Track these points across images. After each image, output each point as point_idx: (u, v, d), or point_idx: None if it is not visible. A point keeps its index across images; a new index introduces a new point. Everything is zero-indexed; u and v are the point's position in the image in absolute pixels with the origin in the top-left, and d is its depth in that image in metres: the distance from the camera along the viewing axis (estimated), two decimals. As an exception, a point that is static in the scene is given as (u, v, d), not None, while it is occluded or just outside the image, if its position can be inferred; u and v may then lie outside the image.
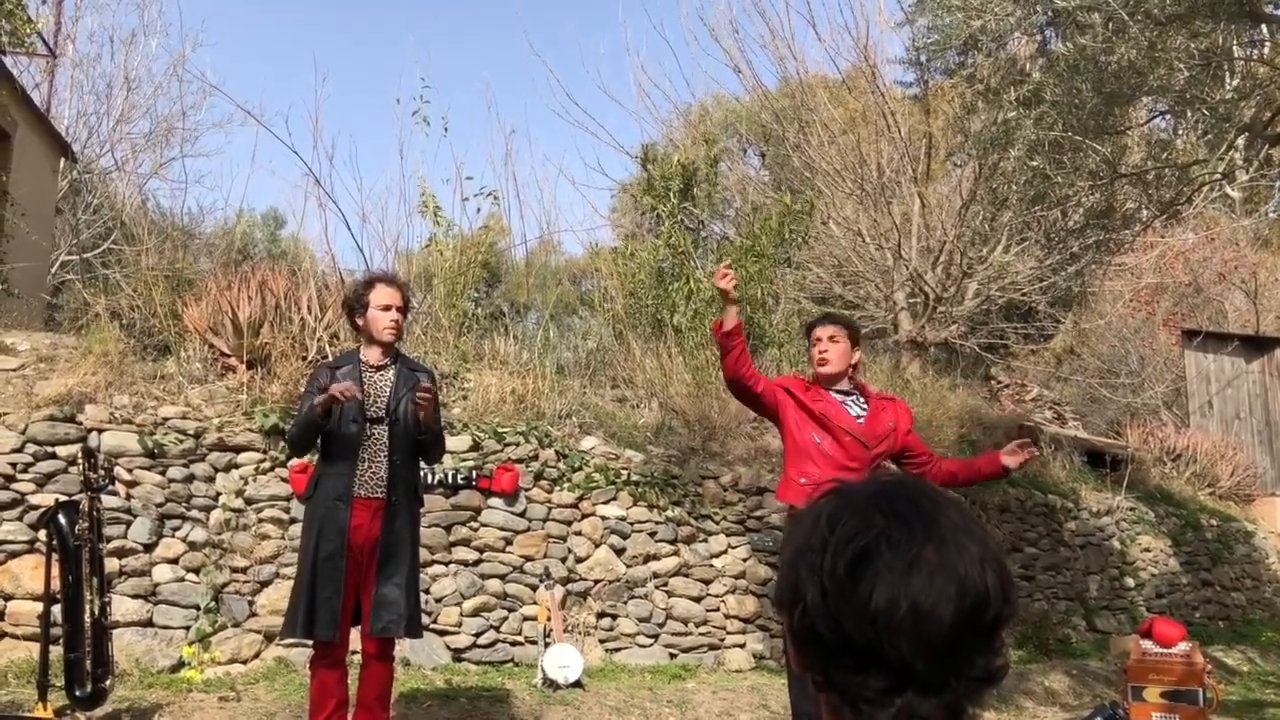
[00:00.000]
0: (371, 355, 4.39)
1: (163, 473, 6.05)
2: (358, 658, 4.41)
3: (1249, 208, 20.36)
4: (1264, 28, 6.51)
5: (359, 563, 4.25)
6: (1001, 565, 1.06)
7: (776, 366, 9.70)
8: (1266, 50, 7.15)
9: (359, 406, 4.24)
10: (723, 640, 7.15)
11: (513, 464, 6.88)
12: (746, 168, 18.41)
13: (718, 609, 7.19)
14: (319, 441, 4.32)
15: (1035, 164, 6.83)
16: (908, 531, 1.04)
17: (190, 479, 6.12)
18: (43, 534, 4.81)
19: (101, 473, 4.83)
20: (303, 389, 4.78)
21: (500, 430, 7.02)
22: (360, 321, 4.39)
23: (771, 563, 7.42)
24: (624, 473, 7.20)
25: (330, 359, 5.16)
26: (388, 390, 4.33)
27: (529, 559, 6.76)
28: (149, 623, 5.77)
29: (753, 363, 4.41)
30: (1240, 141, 7.12)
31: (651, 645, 6.92)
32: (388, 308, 4.32)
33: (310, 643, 4.36)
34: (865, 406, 4.41)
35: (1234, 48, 6.87)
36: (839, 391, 4.42)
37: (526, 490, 6.90)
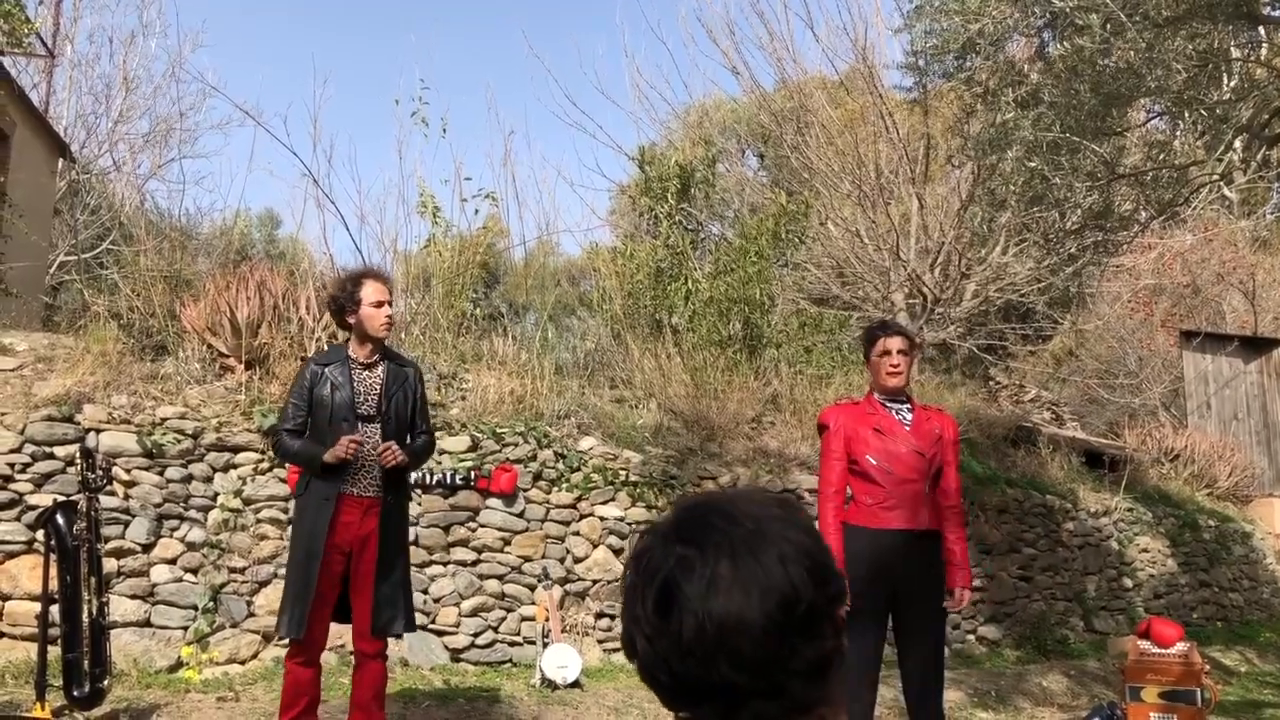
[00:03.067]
0: (361, 352, 4.35)
1: (161, 473, 6.05)
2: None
3: (1247, 209, 20.38)
4: (1261, 29, 6.52)
5: (346, 561, 4.23)
6: (809, 555, 1.05)
7: (775, 367, 9.70)
8: (1264, 52, 7.16)
9: (350, 405, 4.23)
10: (721, 641, 7.14)
11: (511, 464, 6.88)
12: (745, 169, 18.43)
13: (716, 609, 7.18)
14: (309, 438, 4.30)
15: (1033, 165, 6.83)
16: (700, 554, 1.02)
17: (188, 479, 6.12)
18: (41, 534, 4.80)
19: (99, 473, 4.82)
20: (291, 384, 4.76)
21: (499, 431, 7.02)
22: (351, 319, 4.32)
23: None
24: (622, 473, 7.21)
25: (319, 354, 5.11)
26: (378, 388, 4.31)
27: (527, 559, 6.77)
28: (147, 623, 5.77)
29: (842, 499, 4.27)
30: (1238, 143, 7.14)
31: (650, 646, 6.91)
32: (381, 304, 4.28)
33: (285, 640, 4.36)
34: (912, 413, 4.32)
35: (1231, 49, 6.88)
36: (891, 401, 4.32)
37: (525, 490, 6.90)
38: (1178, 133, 8.01)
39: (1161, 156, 8.02)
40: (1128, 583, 9.89)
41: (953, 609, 4.32)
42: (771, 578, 1.01)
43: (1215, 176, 7.57)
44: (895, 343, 4.33)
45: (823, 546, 1.08)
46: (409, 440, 4.39)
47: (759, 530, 1.05)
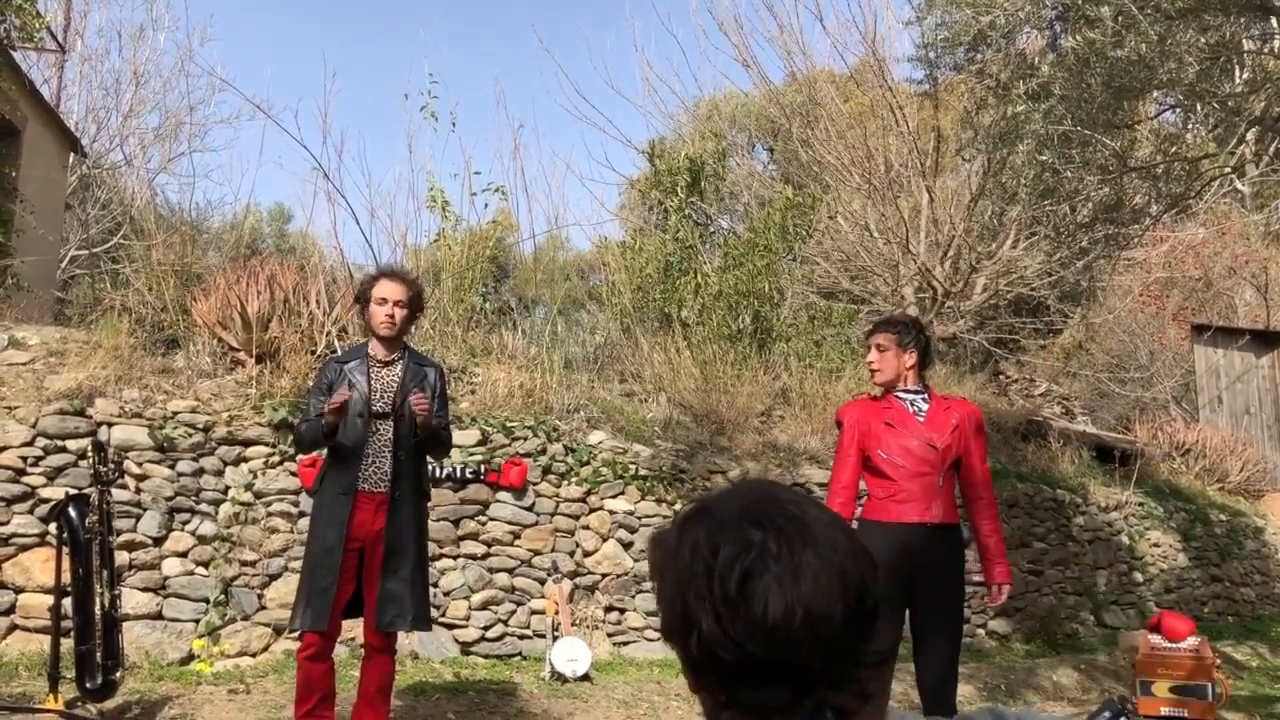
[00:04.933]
0: (380, 350, 4.40)
1: (172, 466, 6.07)
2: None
3: (1259, 202, 20.28)
4: (1274, 21, 6.47)
5: (363, 557, 4.27)
6: (864, 550, 1.09)
7: (784, 360, 9.69)
8: (1277, 44, 7.12)
9: (364, 402, 4.26)
10: (730, 634, 7.15)
11: (521, 458, 6.89)
12: (754, 162, 18.39)
13: (725, 603, 7.18)
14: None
15: (1044, 158, 6.80)
16: (786, 540, 1.04)
17: (199, 473, 6.15)
18: (53, 527, 4.82)
19: (111, 466, 4.85)
20: (310, 383, 4.80)
21: (508, 424, 7.03)
22: (365, 316, 4.43)
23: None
24: (632, 467, 7.21)
25: (339, 353, 5.17)
26: (395, 385, 4.34)
27: (537, 553, 6.78)
28: (159, 616, 5.80)
29: (855, 491, 4.29)
30: (1250, 135, 7.09)
31: (659, 639, 6.93)
32: (384, 301, 4.33)
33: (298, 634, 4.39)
34: (927, 404, 4.31)
35: (1244, 41, 6.83)
36: (904, 392, 4.31)
37: (535, 484, 6.91)
38: (1189, 126, 7.95)
39: (1173, 149, 7.98)
40: (1138, 577, 9.86)
41: (991, 604, 4.34)
42: (848, 569, 1.05)
43: (1227, 170, 7.52)
44: (873, 339, 4.41)
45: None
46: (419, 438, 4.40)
47: (831, 521, 1.09)
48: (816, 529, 1.07)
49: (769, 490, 1.13)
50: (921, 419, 4.25)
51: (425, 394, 4.27)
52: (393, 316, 4.35)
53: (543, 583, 6.72)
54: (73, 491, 5.14)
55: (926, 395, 4.35)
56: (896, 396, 4.33)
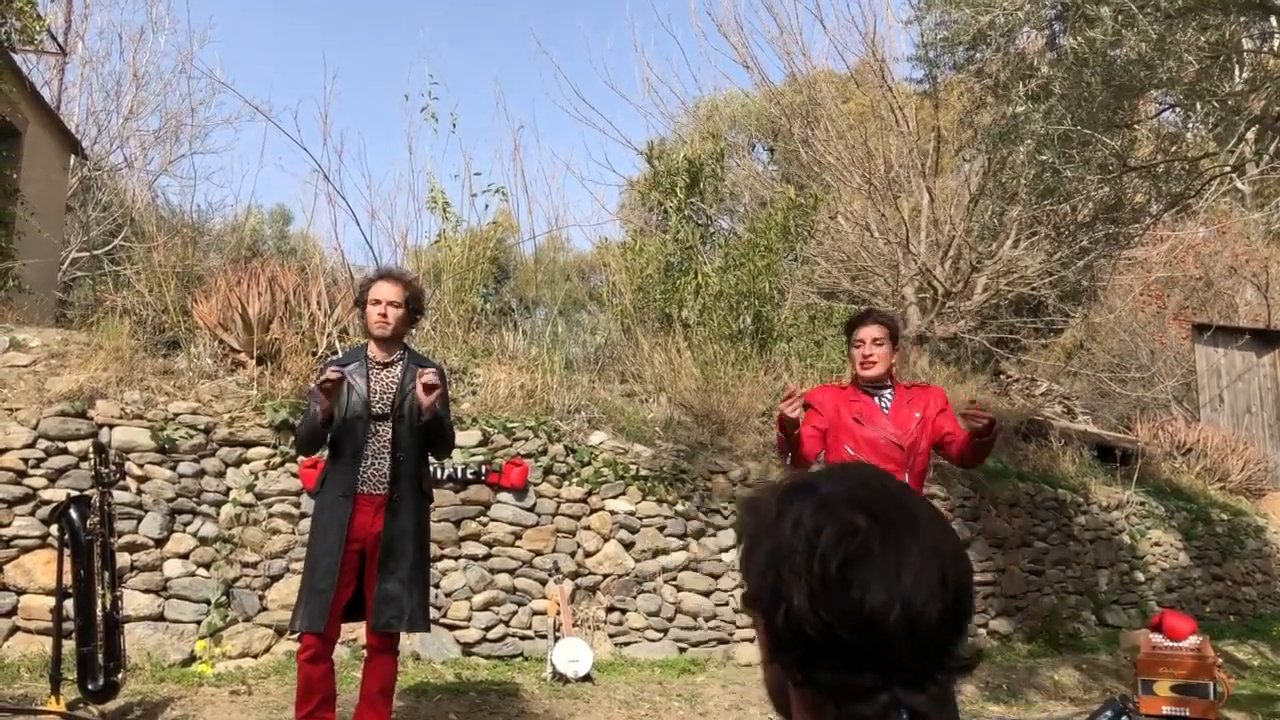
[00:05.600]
0: (379, 352, 4.41)
1: (173, 468, 6.07)
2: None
3: (1260, 201, 20.27)
4: (1274, 20, 6.48)
5: (364, 558, 4.27)
6: (965, 554, 1.09)
7: (785, 360, 9.69)
8: (1277, 43, 7.12)
9: (364, 403, 4.26)
10: (732, 635, 7.17)
11: (522, 459, 6.90)
12: (754, 163, 18.39)
13: (727, 603, 7.20)
14: (328, 437, 4.35)
15: (1044, 158, 6.81)
16: (894, 532, 1.04)
17: (201, 474, 6.15)
18: (54, 529, 4.83)
19: (112, 468, 4.85)
20: (311, 385, 4.80)
21: (509, 425, 7.03)
22: (364, 318, 4.46)
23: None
24: (633, 467, 7.22)
25: (339, 355, 5.18)
26: (394, 387, 4.34)
27: (538, 553, 6.78)
28: (160, 617, 5.80)
29: (803, 443, 4.20)
30: (1250, 134, 7.08)
31: (661, 639, 6.94)
32: (378, 302, 4.35)
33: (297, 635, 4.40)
34: (893, 398, 4.34)
35: (1244, 40, 6.84)
36: (874, 388, 4.34)
37: (535, 485, 6.91)
38: (1189, 125, 7.95)
39: (1173, 149, 7.98)
40: (1140, 576, 9.86)
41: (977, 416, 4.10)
42: (949, 570, 1.04)
43: (1227, 169, 7.52)
44: (869, 331, 4.32)
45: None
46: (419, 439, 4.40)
47: (937, 520, 1.08)
48: (924, 525, 1.06)
49: (879, 478, 1.12)
50: (886, 413, 4.27)
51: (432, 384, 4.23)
52: (385, 316, 4.35)
53: (544, 583, 6.72)
54: (74, 493, 5.15)
55: (891, 388, 4.36)
56: (864, 390, 4.33)
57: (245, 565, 6.07)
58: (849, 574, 1.02)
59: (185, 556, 5.96)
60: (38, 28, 10.01)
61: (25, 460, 5.74)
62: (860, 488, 1.09)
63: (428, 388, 4.14)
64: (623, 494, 7.14)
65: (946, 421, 4.34)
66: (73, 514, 4.59)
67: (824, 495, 1.09)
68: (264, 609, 6.05)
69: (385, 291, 4.36)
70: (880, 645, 1.01)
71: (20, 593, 5.57)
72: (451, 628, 6.47)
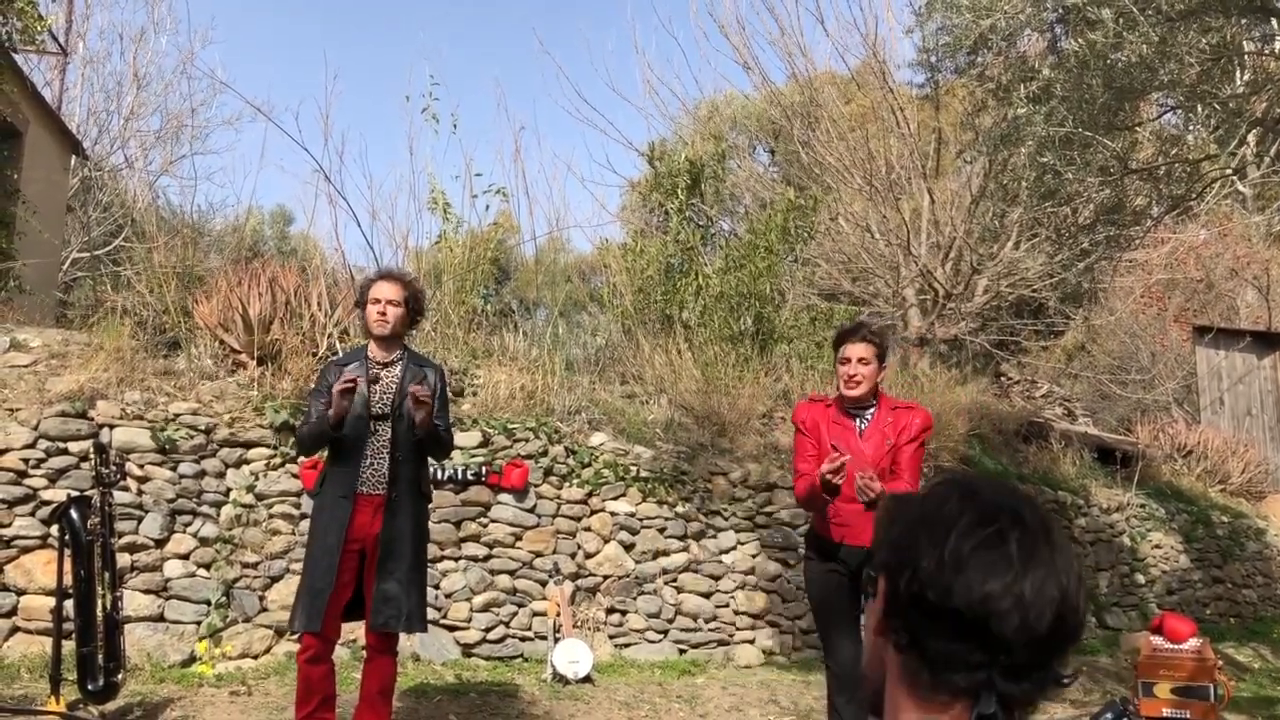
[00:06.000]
0: (379, 352, 4.42)
1: (174, 468, 6.07)
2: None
3: (1261, 203, 20.24)
4: (1275, 22, 6.47)
5: (364, 558, 4.28)
6: (1086, 586, 1.18)
7: (786, 362, 9.69)
8: (1278, 45, 7.12)
9: (364, 403, 4.27)
10: (732, 636, 7.16)
11: (522, 460, 6.89)
12: (755, 164, 18.40)
13: (727, 605, 7.20)
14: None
15: (1045, 160, 6.80)
16: (1029, 536, 1.11)
17: (201, 475, 6.15)
18: (55, 529, 4.83)
19: (113, 468, 4.85)
20: (312, 386, 4.81)
21: (510, 426, 7.03)
22: (364, 318, 4.47)
23: (781, 558, 7.43)
24: (633, 469, 7.21)
25: (339, 356, 5.18)
26: (393, 387, 4.35)
27: (538, 555, 6.78)
28: (160, 618, 5.80)
29: (808, 482, 4.11)
30: (1251, 137, 7.08)
31: (661, 641, 6.93)
32: (377, 301, 4.37)
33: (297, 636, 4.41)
34: (872, 417, 4.22)
35: (1245, 43, 6.83)
36: (857, 408, 4.24)
37: (536, 486, 6.91)
38: (1191, 127, 7.95)
39: (1174, 151, 7.99)
40: (1140, 579, 9.86)
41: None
42: (1069, 586, 1.11)
43: (1228, 171, 7.52)
44: (856, 350, 4.19)
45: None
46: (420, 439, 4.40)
47: (1067, 543, 1.15)
48: (1057, 543, 1.13)
49: (1027, 494, 1.20)
50: (861, 434, 4.18)
51: (426, 388, 4.26)
52: (384, 314, 4.36)
53: (544, 584, 6.72)
54: (74, 493, 5.15)
55: (875, 407, 4.24)
56: (846, 412, 4.25)
57: (245, 566, 6.07)
58: (979, 555, 1.09)
59: (185, 557, 5.96)
60: (39, 28, 10.01)
61: (26, 460, 5.74)
62: (1009, 494, 1.17)
63: (416, 403, 4.15)
64: (623, 495, 7.14)
65: (906, 455, 4.17)
66: (73, 514, 4.59)
67: (975, 488, 1.17)
68: (264, 610, 6.04)
69: (384, 291, 4.38)
70: (991, 628, 1.08)
71: (20, 593, 5.57)
72: (452, 629, 6.47)
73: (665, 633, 6.97)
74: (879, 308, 13.60)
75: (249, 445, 6.34)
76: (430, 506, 4.77)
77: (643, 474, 7.21)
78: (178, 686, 5.37)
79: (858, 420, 4.24)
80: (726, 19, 14.40)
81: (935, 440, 7.91)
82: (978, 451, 9.26)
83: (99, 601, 4.61)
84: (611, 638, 6.84)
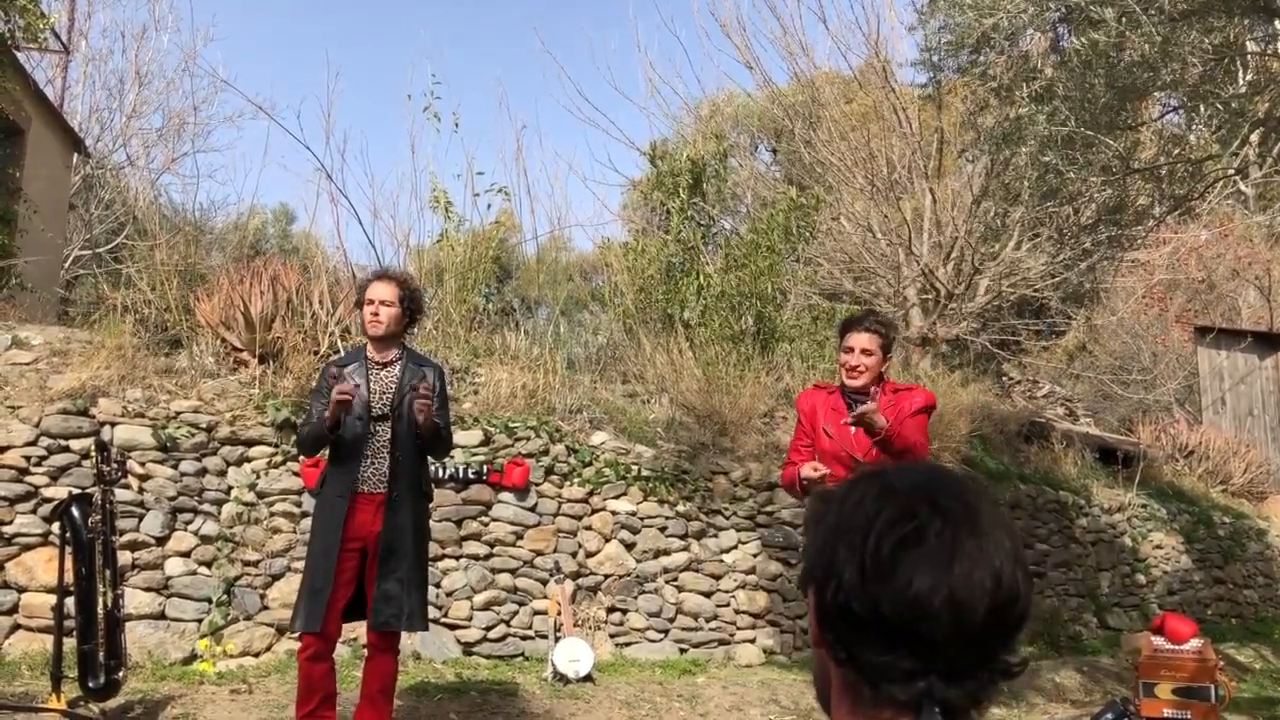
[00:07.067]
0: (378, 353, 4.42)
1: (175, 466, 6.07)
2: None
3: (1263, 204, 20.25)
4: (1278, 22, 6.47)
5: (364, 558, 4.28)
6: (1026, 563, 1.09)
7: (787, 361, 9.69)
8: (1280, 45, 7.11)
9: (364, 403, 4.27)
10: (733, 635, 7.16)
11: (523, 459, 6.89)
12: (757, 163, 18.39)
13: (728, 604, 7.19)
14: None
15: (1047, 159, 6.80)
16: (951, 523, 1.05)
17: (202, 473, 6.15)
18: (56, 527, 4.83)
19: (114, 466, 4.85)
20: (313, 385, 4.82)
21: (511, 425, 7.03)
22: (362, 319, 4.49)
23: (782, 558, 7.42)
24: (634, 468, 7.21)
25: (339, 356, 5.19)
26: (393, 386, 4.35)
27: (539, 553, 6.78)
28: (161, 615, 5.80)
29: (794, 473, 4.18)
30: (1254, 137, 7.09)
31: (661, 640, 6.93)
32: (370, 302, 4.39)
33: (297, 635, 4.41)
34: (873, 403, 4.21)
35: (1247, 43, 6.83)
36: (856, 396, 4.24)
37: (537, 485, 6.91)
38: (1193, 127, 7.95)
39: (1176, 151, 7.99)
40: (1141, 579, 9.85)
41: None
42: (1004, 570, 1.05)
43: (1231, 171, 7.52)
44: (860, 340, 4.20)
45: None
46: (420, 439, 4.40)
47: (1000, 521, 1.08)
48: (985, 523, 1.07)
49: (949, 474, 1.14)
50: (853, 429, 4.18)
51: (428, 389, 4.27)
52: (378, 315, 4.37)
53: (545, 583, 6.72)
54: (76, 491, 5.15)
55: (876, 394, 4.22)
56: (846, 398, 4.25)
57: (246, 564, 6.07)
58: (900, 556, 1.03)
59: (186, 555, 5.97)
60: (41, 26, 10.01)
61: (27, 458, 5.75)
62: (927, 480, 1.11)
63: (417, 406, 4.16)
64: (624, 494, 7.14)
65: (906, 426, 4.16)
66: (74, 512, 4.59)
67: (889, 482, 1.11)
68: (265, 608, 6.05)
69: (378, 291, 4.40)
70: (923, 632, 1.02)
71: (21, 590, 5.58)
72: (452, 627, 6.47)
73: (666, 632, 6.97)
74: (881, 307, 13.58)
75: (250, 443, 6.34)
76: (431, 505, 4.78)
77: (644, 473, 7.21)
78: (179, 684, 5.37)
79: (856, 405, 4.23)
80: (728, 18, 14.39)
81: (937, 440, 7.90)
82: (979, 451, 9.25)
83: (100, 599, 4.61)
84: (612, 637, 6.84)
